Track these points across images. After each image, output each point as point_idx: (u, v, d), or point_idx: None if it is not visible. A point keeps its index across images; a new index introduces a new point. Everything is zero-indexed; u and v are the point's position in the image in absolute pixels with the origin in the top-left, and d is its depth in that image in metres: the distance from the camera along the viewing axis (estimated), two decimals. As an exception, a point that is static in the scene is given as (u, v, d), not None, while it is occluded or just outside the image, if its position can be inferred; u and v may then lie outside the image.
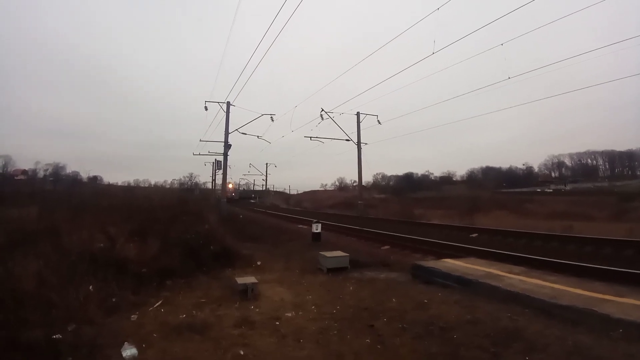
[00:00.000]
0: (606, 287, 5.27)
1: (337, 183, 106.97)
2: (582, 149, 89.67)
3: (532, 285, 5.49)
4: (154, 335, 4.28)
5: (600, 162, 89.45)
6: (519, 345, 3.70)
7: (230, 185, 60.52)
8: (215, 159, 37.28)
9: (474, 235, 14.27)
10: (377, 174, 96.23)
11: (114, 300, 5.36)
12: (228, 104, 24.45)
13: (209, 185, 62.28)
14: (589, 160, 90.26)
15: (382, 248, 11.62)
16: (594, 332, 3.85)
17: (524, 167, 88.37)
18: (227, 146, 24.93)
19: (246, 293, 5.82)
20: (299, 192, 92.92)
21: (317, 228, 12.87)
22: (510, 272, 6.37)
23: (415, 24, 13.78)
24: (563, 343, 3.66)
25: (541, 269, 7.02)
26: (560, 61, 13.48)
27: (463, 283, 6.05)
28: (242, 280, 6.08)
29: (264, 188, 68.95)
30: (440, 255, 9.15)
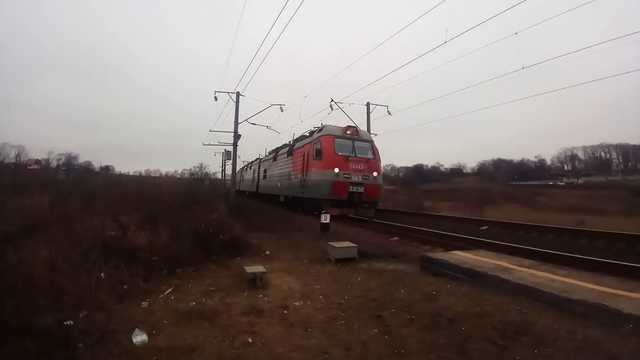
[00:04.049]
0: (618, 282, 5.21)
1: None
2: (596, 142, 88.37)
3: (543, 278, 5.45)
4: (164, 321, 4.35)
5: (614, 155, 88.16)
6: (528, 338, 3.68)
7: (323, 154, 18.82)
8: (225, 149, 37.43)
9: (484, 227, 14.15)
10: (386, 165, 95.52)
11: (125, 287, 5.44)
12: (237, 94, 24.42)
13: (219, 176, 61.39)
14: (603, 154, 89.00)
15: (391, 239, 11.58)
16: (604, 327, 3.82)
17: (536, 159, 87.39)
18: (237, 136, 24.95)
19: (255, 282, 5.86)
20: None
21: (325, 218, 12.87)
22: (520, 265, 6.32)
23: (427, 12, 13.54)
24: (572, 337, 3.63)
25: (552, 262, 6.95)
26: (575, 51, 13.19)
27: (472, 275, 6.02)
28: (250, 269, 6.13)
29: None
30: (449, 248, 9.10)
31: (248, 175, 41.55)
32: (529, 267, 6.19)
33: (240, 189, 48.53)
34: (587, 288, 4.89)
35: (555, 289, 4.83)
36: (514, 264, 6.41)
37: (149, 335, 3.90)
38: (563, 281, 5.27)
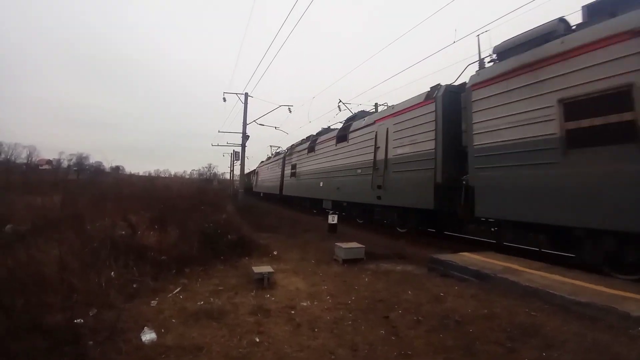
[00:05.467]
0: (627, 285, 5.16)
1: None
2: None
3: (552, 281, 5.40)
4: (173, 320, 4.38)
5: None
6: (536, 341, 3.65)
7: None
8: (234, 150, 37.53)
9: (495, 229, 14.04)
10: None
11: (134, 286, 5.48)
12: (246, 95, 24.56)
13: (227, 176, 60.53)
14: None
15: (399, 240, 11.55)
16: (612, 330, 3.78)
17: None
18: (245, 137, 25.08)
19: (262, 282, 5.88)
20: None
21: (333, 219, 12.87)
22: (529, 267, 6.27)
23: (436, 12, 13.44)
24: (581, 340, 3.60)
25: (562, 264, 6.89)
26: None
27: (480, 277, 5.99)
28: (258, 269, 6.15)
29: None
30: (458, 249, 9.05)
31: (331, 158, 18.56)
32: (538, 269, 6.13)
33: (285, 193, 28.47)
34: (597, 290, 4.85)
35: (564, 292, 4.79)
36: (523, 266, 6.36)
37: (157, 333, 3.93)
38: (572, 283, 5.22)
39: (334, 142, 18.39)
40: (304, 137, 26.17)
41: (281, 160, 30.58)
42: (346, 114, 21.17)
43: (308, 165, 22.69)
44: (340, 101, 23.13)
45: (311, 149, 22.18)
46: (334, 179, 17.73)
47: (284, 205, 27.43)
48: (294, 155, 26.41)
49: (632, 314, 3.93)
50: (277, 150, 36.84)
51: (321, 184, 19.57)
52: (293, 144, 28.07)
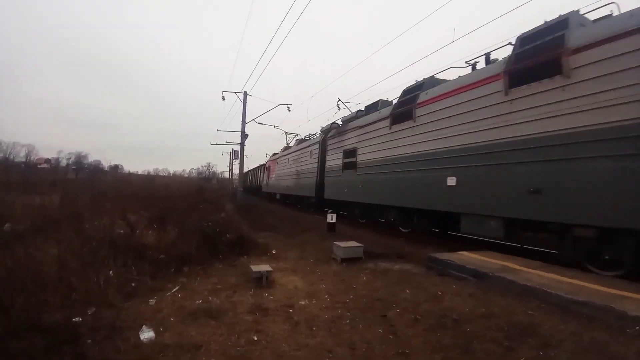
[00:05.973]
0: (626, 284, 5.17)
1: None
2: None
3: (549, 280, 5.41)
4: (171, 319, 4.38)
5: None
6: (534, 340, 3.66)
7: None
8: (232, 149, 37.43)
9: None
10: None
11: (133, 285, 5.49)
12: (245, 93, 24.55)
13: (227, 175, 60.18)
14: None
15: (398, 239, 11.56)
16: (610, 329, 3.80)
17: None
18: (244, 136, 25.07)
19: (261, 280, 5.89)
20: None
21: (332, 218, 12.86)
22: (527, 266, 6.29)
23: (435, 11, 13.43)
24: (578, 339, 3.61)
25: (559, 263, 6.90)
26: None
27: (478, 276, 6.01)
28: (256, 268, 6.16)
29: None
30: (456, 248, 9.06)
31: (500, 120, 7.65)
32: (535, 269, 6.15)
33: (329, 196, 17.97)
34: (594, 290, 4.86)
35: (561, 290, 4.80)
36: (520, 265, 6.38)
37: (156, 332, 3.93)
38: (570, 282, 5.24)
39: (497, 85, 8.04)
40: (353, 112, 17.22)
41: (316, 146, 20.21)
42: (345, 113, 20.22)
43: (398, 146, 11.85)
44: (340, 100, 23.06)
45: (404, 116, 11.54)
46: (521, 167, 7.35)
47: (285, 205, 26.93)
48: (348, 135, 15.86)
49: (629, 313, 3.94)
50: (298, 138, 28.01)
51: (450, 182, 9.38)
52: (334, 122, 18.05)
